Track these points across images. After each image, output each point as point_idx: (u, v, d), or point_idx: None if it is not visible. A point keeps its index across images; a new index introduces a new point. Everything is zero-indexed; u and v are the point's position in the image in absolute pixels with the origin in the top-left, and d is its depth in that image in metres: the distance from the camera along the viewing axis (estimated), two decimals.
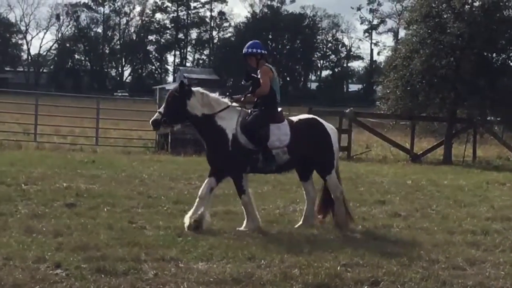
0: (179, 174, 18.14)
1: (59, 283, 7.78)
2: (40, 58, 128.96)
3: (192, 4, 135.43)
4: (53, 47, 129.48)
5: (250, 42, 11.93)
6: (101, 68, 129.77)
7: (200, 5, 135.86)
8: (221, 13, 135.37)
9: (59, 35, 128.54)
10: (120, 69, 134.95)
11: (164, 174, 18.02)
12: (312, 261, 9.00)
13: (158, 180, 16.79)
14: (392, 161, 27.13)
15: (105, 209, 12.29)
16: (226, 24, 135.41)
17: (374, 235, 11.10)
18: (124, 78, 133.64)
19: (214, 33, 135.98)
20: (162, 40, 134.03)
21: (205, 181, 11.45)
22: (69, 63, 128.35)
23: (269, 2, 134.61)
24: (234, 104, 11.54)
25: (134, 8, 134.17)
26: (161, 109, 11.44)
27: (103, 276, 8.05)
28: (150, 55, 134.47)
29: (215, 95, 11.58)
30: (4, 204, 12.09)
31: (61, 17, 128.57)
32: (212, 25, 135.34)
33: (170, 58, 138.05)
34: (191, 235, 10.42)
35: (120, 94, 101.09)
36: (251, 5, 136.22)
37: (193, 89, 11.44)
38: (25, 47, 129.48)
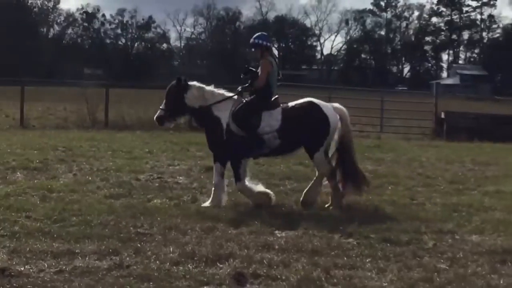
0: (453, 158, 17.82)
1: (351, 250, 7.94)
2: (331, 57, 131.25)
3: (464, 9, 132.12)
4: (342, 48, 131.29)
5: (258, 33, 11.34)
6: (383, 65, 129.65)
7: (472, 9, 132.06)
8: (490, 16, 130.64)
9: (348, 37, 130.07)
10: (400, 66, 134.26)
11: (440, 157, 17.76)
12: None
13: (435, 163, 16.59)
14: None
15: (389, 188, 12.38)
16: (494, 26, 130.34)
17: None
18: (404, 74, 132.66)
19: (484, 34, 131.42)
20: (437, 41, 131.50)
21: (214, 169, 10.91)
22: (356, 61, 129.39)
23: None
24: (230, 94, 11.03)
25: (412, 13, 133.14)
26: (162, 106, 11.10)
27: (388, 245, 8.13)
28: (427, 54, 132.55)
29: (210, 88, 11.08)
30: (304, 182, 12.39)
31: (350, 22, 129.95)
32: (482, 27, 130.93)
33: (444, 56, 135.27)
34: (465, 211, 10.28)
35: (400, 88, 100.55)
36: None
37: (190, 83, 11.04)
38: (318, 48, 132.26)
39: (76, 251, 7.45)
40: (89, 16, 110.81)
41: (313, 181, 10.86)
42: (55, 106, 34.33)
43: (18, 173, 12.82)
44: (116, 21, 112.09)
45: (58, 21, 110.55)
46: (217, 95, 11.00)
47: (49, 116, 30.20)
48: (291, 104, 11.04)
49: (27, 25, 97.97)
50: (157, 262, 7.19)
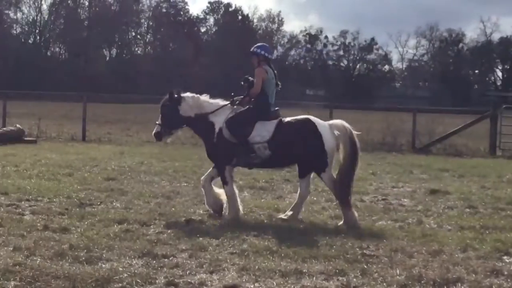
0: None
1: None
2: None
3: None
4: None
5: (259, 43, 11.61)
6: None
7: None
8: None
9: None
10: None
11: None
12: None
13: None
14: None
15: None
16: None
17: None
18: None
19: None
20: None
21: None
22: None
23: None
24: (225, 103, 11.15)
25: None
26: (158, 121, 11.26)
27: None
28: None
29: (205, 97, 11.30)
30: None
31: None
32: None
33: None
34: None
35: None
36: None
37: (183, 95, 11.21)
38: None
39: (304, 270, 7.61)
40: (312, 38, 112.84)
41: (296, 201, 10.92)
42: None
43: (245, 192, 13.31)
44: (339, 42, 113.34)
45: (282, 42, 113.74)
46: (213, 104, 11.25)
47: None
48: (288, 118, 11.06)
49: (251, 47, 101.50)
50: (384, 284, 7.21)
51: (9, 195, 11.79)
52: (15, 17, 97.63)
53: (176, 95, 11.23)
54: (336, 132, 10.75)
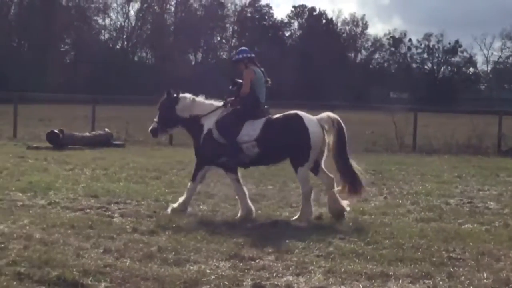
0: None
1: None
2: None
3: None
4: None
5: (238, 49, 11.86)
6: None
7: None
8: None
9: None
10: None
11: None
12: None
13: None
14: None
15: None
16: None
17: None
18: None
19: None
20: None
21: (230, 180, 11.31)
22: None
23: None
24: (219, 104, 11.35)
25: None
26: (156, 118, 11.55)
27: None
28: None
29: (200, 98, 11.55)
30: None
31: None
32: None
33: None
34: None
35: None
36: None
37: (180, 95, 11.49)
38: None
39: (390, 273, 7.58)
40: (396, 41, 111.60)
41: (302, 200, 10.83)
42: (363, 130, 35.05)
43: None
44: (423, 45, 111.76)
45: (366, 46, 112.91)
46: (207, 105, 11.44)
47: (357, 139, 30.89)
48: (277, 115, 11.09)
49: (336, 50, 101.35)
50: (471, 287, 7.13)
51: (99, 198, 12.09)
52: (103, 23, 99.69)
53: (174, 95, 11.55)
54: (326, 126, 10.85)
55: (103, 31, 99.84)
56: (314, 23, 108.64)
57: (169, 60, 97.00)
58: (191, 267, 7.64)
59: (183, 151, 21.57)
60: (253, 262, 7.98)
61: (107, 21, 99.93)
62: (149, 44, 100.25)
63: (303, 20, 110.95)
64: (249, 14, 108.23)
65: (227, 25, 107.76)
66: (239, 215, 10.87)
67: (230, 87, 11.49)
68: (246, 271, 7.60)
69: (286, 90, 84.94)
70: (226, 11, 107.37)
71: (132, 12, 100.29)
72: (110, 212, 10.94)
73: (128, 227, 9.69)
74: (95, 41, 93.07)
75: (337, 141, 10.82)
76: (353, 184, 10.97)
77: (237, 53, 11.67)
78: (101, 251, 8.27)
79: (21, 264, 7.42)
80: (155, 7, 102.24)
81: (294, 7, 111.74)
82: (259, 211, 11.24)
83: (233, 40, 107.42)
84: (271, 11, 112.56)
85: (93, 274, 7.22)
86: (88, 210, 11.01)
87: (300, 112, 11.05)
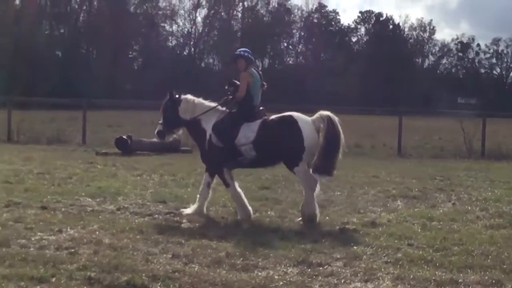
0: None
1: None
2: None
3: None
4: None
5: (242, 48, 11.87)
6: None
7: None
8: None
9: None
10: None
11: None
12: None
13: None
14: None
15: None
16: None
17: None
18: None
19: None
20: None
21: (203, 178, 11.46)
22: None
23: None
24: (219, 106, 11.49)
25: None
26: (160, 121, 11.82)
27: None
28: None
29: (200, 99, 11.68)
30: None
31: None
32: None
33: None
34: None
35: None
36: None
37: (182, 96, 11.70)
38: None
39: (459, 280, 7.49)
40: (464, 46, 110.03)
41: (304, 196, 10.85)
42: (430, 135, 34.69)
43: (398, 201, 13.20)
44: (491, 50, 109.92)
45: (433, 51, 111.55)
46: (205, 107, 11.54)
47: (425, 145, 30.60)
48: (272, 117, 11.15)
49: (403, 56, 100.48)
50: None
51: (167, 204, 12.20)
52: (170, 29, 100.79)
53: (176, 96, 11.74)
54: (320, 126, 10.75)
55: (170, 38, 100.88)
56: (381, 28, 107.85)
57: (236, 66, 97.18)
58: (259, 273, 7.66)
59: None
60: (321, 268, 7.97)
61: (175, 27, 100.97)
62: (216, 50, 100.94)
63: (370, 25, 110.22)
64: (315, 20, 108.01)
65: (294, 31, 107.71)
66: (190, 211, 11.21)
67: (226, 87, 11.63)
68: (314, 277, 7.60)
69: (352, 96, 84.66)
70: (292, 17, 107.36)
71: (199, 18, 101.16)
72: (178, 218, 11.05)
73: (196, 232, 9.78)
74: (162, 48, 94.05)
75: (327, 137, 10.63)
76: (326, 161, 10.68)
77: (244, 50, 11.70)
78: (170, 256, 8.35)
79: (91, 269, 7.55)
80: (222, 13, 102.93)
81: (361, 12, 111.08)
82: (327, 217, 11.21)
83: (300, 46, 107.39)
84: (338, 17, 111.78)
85: (162, 279, 7.29)
86: (156, 216, 11.13)
87: (294, 114, 11.11)
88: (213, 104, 11.62)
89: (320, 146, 10.62)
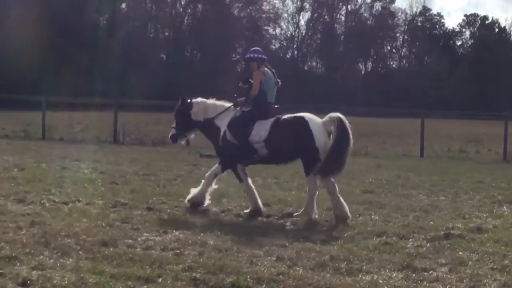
0: None
1: None
2: None
3: None
4: None
5: (252, 48, 12.24)
6: None
7: None
8: None
9: None
10: None
11: None
12: None
13: None
14: None
15: None
16: None
17: None
18: None
19: None
20: None
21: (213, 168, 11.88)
22: None
23: None
24: (232, 106, 11.82)
25: None
26: (173, 125, 12.17)
27: None
28: None
29: (212, 100, 12.07)
30: None
31: None
32: None
33: None
34: None
35: None
36: None
37: (193, 100, 12.04)
38: None
39: None
40: None
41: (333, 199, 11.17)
42: None
43: (504, 207, 12.93)
44: None
45: None
46: (219, 107, 11.93)
47: None
48: (285, 116, 11.43)
49: (509, 59, 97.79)
50: None
51: (271, 206, 12.27)
52: (274, 32, 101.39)
53: (188, 100, 12.11)
54: (332, 128, 11.02)
55: (273, 41, 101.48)
56: (486, 32, 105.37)
57: (339, 70, 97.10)
58: (364, 277, 7.64)
59: (351, 161, 21.55)
60: (426, 273, 7.88)
61: (278, 30, 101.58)
62: (319, 53, 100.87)
63: (475, 29, 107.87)
64: (419, 24, 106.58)
65: (397, 34, 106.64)
66: (191, 195, 11.81)
67: (241, 84, 11.90)
68: (419, 282, 7.52)
69: (457, 100, 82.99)
70: (396, 20, 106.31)
71: (302, 22, 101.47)
72: (282, 221, 11.11)
73: (300, 235, 9.80)
74: (266, 51, 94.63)
75: (336, 139, 10.97)
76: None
77: (251, 52, 12.01)
78: (274, 259, 8.39)
79: (196, 270, 7.67)
80: (325, 17, 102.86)
81: (465, 15, 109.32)
82: (431, 222, 11.05)
83: (403, 50, 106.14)
84: (442, 20, 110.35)
85: (266, 282, 7.35)
86: (260, 218, 11.24)
87: (307, 115, 11.37)
88: (227, 104, 11.99)
89: (330, 147, 10.97)
